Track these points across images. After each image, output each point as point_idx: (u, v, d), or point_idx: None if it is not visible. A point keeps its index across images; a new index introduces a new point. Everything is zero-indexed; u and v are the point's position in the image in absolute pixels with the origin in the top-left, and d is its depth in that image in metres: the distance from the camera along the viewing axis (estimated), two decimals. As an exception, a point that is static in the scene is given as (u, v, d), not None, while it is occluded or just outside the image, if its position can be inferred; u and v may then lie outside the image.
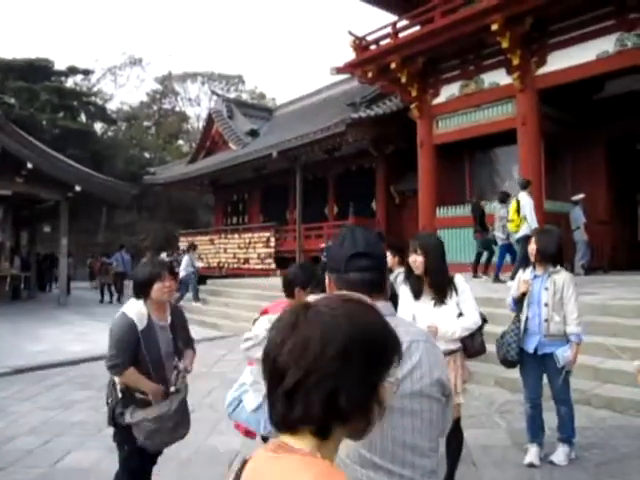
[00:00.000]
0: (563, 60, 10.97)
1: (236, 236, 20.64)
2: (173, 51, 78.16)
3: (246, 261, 19.75)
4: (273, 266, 18.55)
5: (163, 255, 24.96)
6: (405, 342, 1.24)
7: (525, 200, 9.66)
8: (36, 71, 34.12)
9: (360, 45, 13.53)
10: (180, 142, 48.22)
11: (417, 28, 12.63)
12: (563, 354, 4.01)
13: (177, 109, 49.49)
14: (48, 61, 35.74)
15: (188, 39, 72.97)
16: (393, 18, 13.76)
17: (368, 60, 13.27)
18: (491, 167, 13.95)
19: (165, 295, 3.13)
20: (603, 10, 10.39)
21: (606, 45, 10.37)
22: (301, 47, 65.82)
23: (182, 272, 12.64)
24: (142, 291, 3.09)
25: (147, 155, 45.75)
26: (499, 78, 12.05)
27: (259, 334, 2.96)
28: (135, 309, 3.07)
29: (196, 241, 22.60)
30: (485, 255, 11.44)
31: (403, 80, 13.07)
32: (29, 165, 13.98)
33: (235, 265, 20.08)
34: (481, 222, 11.52)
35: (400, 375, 1.27)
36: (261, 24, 68.16)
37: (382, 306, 1.38)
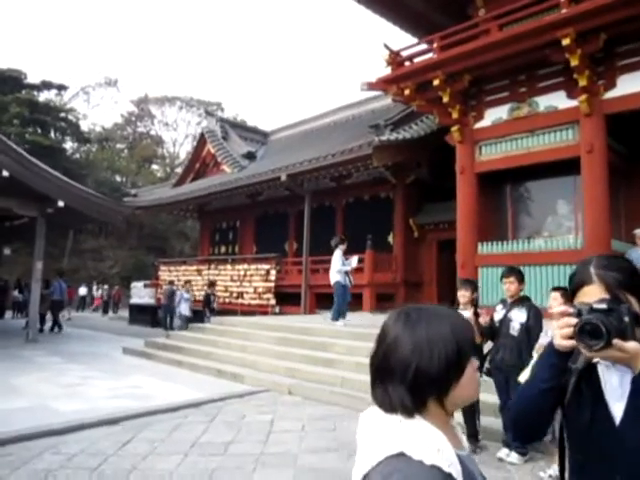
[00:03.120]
0: (635, 84, 9.80)
1: (229, 267, 18.69)
2: (151, 74, 76.44)
3: (240, 295, 17.78)
4: (272, 302, 16.67)
5: (140, 285, 22.77)
6: None
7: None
8: (6, 82, 31.80)
9: (396, 60, 12.18)
10: (155, 167, 46.13)
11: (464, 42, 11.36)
12: None
13: (153, 133, 47.53)
14: (20, 72, 33.50)
15: (167, 62, 71.43)
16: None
17: (406, 76, 11.89)
18: (535, 200, 12.60)
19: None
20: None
21: (690, 68, 9.25)
22: (283, 76, 65.05)
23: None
24: (437, 389, 1.30)
25: (119, 178, 43.51)
26: (558, 101, 10.81)
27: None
28: (429, 442, 1.24)
29: (180, 271, 20.63)
30: None
31: (445, 99, 11.72)
32: (4, 173, 11.84)
33: (227, 299, 18.06)
34: None
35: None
36: (241, 52, 67.29)
37: None
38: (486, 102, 11.90)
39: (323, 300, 15.90)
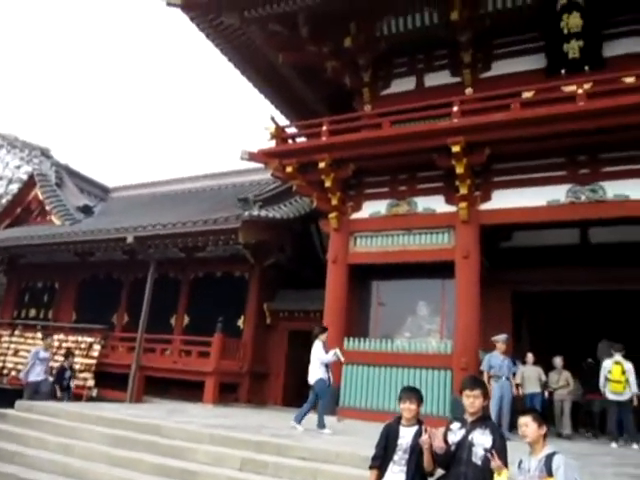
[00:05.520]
0: (510, 199, 10.32)
1: (39, 335, 15.52)
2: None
3: (47, 371, 14.66)
4: (90, 383, 13.97)
5: None
6: None
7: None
8: None
9: (281, 134, 11.61)
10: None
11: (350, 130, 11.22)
12: None
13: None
14: None
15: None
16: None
17: (292, 153, 11.35)
18: (400, 299, 12.39)
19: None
20: (555, 160, 10.14)
21: (558, 194, 9.98)
22: (140, 133, 61.66)
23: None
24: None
25: None
26: (436, 205, 10.98)
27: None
28: None
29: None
30: None
31: (327, 184, 11.32)
32: None
33: (28, 375, 14.76)
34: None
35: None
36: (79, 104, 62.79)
37: None
38: (366, 194, 11.73)
39: (154, 385, 13.75)
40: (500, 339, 9.62)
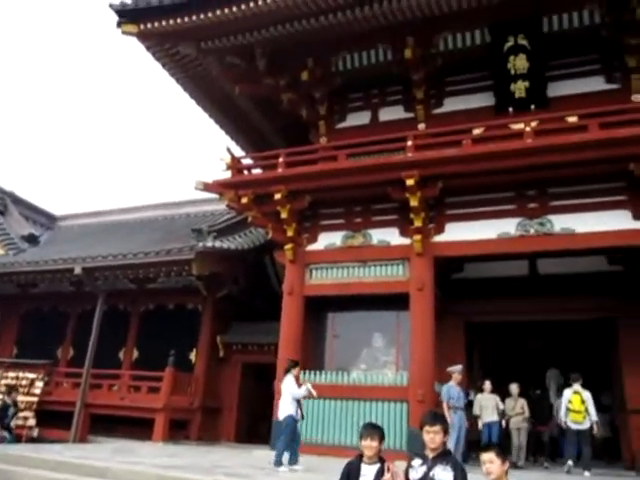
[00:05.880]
0: (463, 232, 10.55)
1: (-27, 371, 14.66)
2: None
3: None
4: (31, 422, 13.22)
5: None
6: None
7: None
8: None
9: (237, 165, 11.56)
10: None
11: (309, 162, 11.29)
12: None
13: None
14: None
15: None
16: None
17: (248, 184, 11.30)
18: (355, 331, 12.32)
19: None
20: (505, 194, 10.46)
21: (508, 227, 10.27)
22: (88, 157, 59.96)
23: None
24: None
25: None
26: (390, 237, 11.10)
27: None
28: None
29: None
30: None
31: (283, 215, 11.29)
32: None
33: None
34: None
35: None
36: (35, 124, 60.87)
37: None
38: (322, 226, 11.75)
39: (100, 424, 13.15)
40: (456, 370, 9.79)
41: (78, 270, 12.98)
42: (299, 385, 8.25)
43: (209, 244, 12.10)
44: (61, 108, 61.43)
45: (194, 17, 10.48)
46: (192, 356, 14.04)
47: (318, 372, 10.93)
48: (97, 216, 19.86)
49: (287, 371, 8.39)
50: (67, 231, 19.43)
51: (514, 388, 10.83)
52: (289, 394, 8.08)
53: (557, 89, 10.80)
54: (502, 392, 10.89)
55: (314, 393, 8.49)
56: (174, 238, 14.45)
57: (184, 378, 13.29)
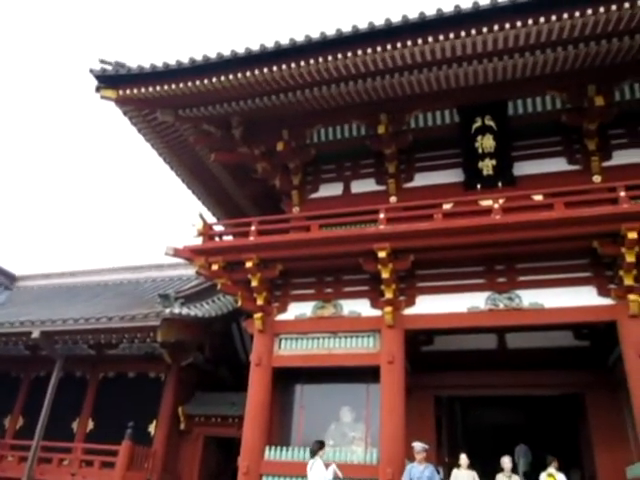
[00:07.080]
0: (434, 305, 10.57)
1: None
2: None
3: None
4: (-30, 502, 12.21)
5: None
6: None
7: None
8: None
9: (208, 232, 11.49)
10: None
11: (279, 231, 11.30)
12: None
13: None
14: None
15: None
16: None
17: (219, 251, 11.17)
18: (324, 405, 11.98)
19: None
20: (475, 268, 10.61)
21: (478, 301, 10.34)
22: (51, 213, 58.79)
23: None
24: None
25: None
26: (361, 308, 11.02)
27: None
28: None
29: None
30: None
31: (254, 284, 11.14)
32: None
33: None
34: None
35: None
36: None
37: None
38: (292, 295, 11.62)
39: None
40: (417, 447, 8.83)
41: (36, 334, 12.43)
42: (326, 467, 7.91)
43: (176, 311, 11.80)
44: (31, 165, 60.92)
45: (173, 85, 10.67)
46: (151, 428, 13.34)
47: (284, 448, 10.50)
48: (60, 277, 19.29)
49: (313, 454, 7.98)
50: (27, 292, 18.76)
51: (507, 461, 9.61)
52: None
53: (523, 168, 11.24)
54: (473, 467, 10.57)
55: (340, 475, 8.15)
56: (139, 303, 14.10)
57: (142, 452, 12.56)
